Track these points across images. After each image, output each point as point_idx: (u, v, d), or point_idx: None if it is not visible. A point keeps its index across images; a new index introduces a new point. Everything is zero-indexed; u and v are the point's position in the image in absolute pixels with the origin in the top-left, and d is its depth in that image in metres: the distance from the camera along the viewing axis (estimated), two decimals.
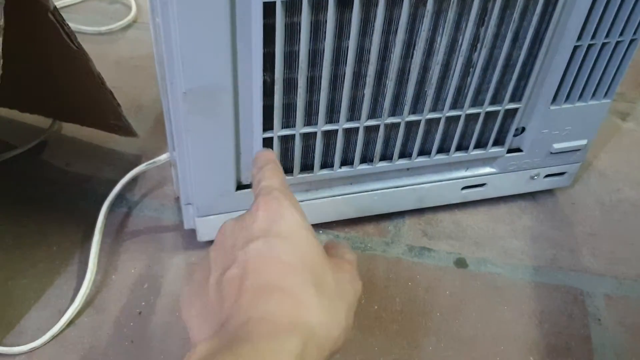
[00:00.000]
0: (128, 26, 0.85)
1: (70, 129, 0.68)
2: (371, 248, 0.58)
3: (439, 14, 0.45)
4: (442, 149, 0.55)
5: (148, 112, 0.71)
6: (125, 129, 0.62)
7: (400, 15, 0.44)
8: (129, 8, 0.87)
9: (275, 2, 0.41)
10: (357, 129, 0.50)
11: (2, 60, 0.43)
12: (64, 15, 0.49)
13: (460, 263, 0.58)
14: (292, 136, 0.49)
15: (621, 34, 0.51)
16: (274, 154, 0.42)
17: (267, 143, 0.49)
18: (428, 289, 0.55)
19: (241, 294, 0.29)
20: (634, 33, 0.51)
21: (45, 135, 0.67)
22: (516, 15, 0.46)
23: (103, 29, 0.83)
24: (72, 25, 0.55)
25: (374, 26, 0.44)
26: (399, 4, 0.43)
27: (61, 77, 0.57)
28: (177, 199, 0.60)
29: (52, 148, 0.67)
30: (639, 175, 0.68)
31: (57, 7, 0.48)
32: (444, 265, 0.57)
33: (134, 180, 0.61)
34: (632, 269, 0.58)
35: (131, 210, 0.60)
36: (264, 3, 0.41)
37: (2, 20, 0.43)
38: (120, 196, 0.59)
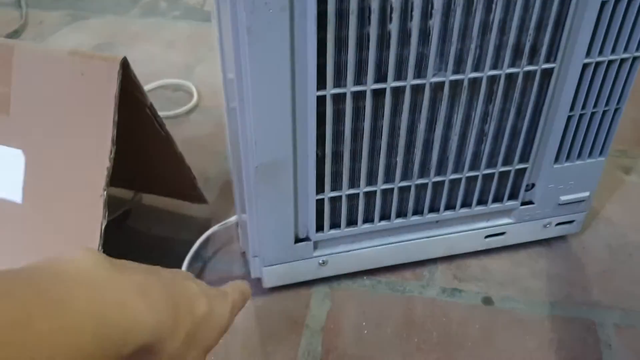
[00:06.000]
0: (191, 110, 0.99)
1: (149, 199, 0.81)
2: (409, 290, 0.68)
3: (454, 97, 0.57)
4: (465, 204, 0.66)
5: (214, 182, 0.83)
6: (198, 197, 0.74)
7: (423, 99, 0.56)
8: (191, 95, 1.02)
9: (325, 96, 0.53)
10: (392, 189, 0.62)
11: (115, 147, 0.57)
12: None
13: (487, 301, 0.67)
14: (340, 197, 0.61)
15: (606, 104, 0.62)
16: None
17: (319, 203, 0.60)
18: (460, 324, 0.64)
19: None
20: (617, 102, 0.62)
21: (129, 205, 0.80)
22: (517, 94, 0.58)
23: (170, 113, 0.97)
24: None
25: (402, 108, 0.56)
26: (421, 91, 0.55)
27: (151, 157, 0.70)
28: (243, 254, 0.72)
29: (135, 216, 0.79)
30: None
31: None
32: (473, 303, 0.67)
33: (207, 239, 0.73)
34: (638, 302, 0.67)
35: (206, 265, 0.71)
36: (318, 96, 0.53)
37: (116, 116, 0.56)
38: (196, 254, 0.71)
